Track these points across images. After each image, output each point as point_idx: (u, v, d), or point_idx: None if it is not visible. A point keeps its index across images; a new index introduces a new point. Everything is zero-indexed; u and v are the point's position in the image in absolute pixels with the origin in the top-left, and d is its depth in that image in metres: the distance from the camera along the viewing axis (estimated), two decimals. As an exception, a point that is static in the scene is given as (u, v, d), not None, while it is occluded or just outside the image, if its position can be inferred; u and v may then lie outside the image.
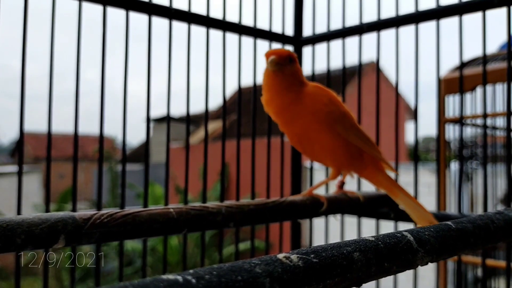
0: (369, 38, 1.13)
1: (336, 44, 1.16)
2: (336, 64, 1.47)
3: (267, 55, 0.81)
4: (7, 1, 0.77)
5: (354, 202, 0.92)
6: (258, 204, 0.77)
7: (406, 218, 0.99)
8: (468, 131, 2.17)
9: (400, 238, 0.38)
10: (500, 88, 1.89)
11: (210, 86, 1.01)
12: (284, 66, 0.81)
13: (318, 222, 1.30)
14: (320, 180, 0.95)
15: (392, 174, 0.93)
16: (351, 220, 1.15)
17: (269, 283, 0.29)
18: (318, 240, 0.83)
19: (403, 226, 0.97)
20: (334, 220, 1.02)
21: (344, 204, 0.91)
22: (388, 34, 1.12)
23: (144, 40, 0.92)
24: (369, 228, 1.10)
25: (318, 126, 0.82)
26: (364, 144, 0.85)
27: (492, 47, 2.15)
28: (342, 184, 0.95)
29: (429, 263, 0.41)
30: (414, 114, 1.04)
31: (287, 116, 0.83)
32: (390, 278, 1.00)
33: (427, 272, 3.78)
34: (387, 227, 0.74)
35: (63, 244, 0.54)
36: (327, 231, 1.15)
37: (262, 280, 0.29)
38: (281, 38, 1.15)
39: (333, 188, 0.98)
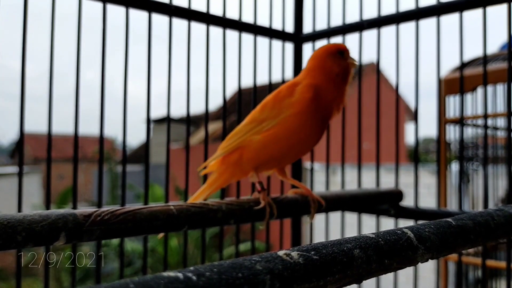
0: (369, 38, 1.13)
1: (336, 41, 1.16)
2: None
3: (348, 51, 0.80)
4: (6, 0, 0.77)
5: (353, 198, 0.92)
6: (259, 201, 0.77)
7: (406, 215, 0.99)
8: (469, 132, 2.17)
9: (400, 235, 0.38)
10: (501, 89, 1.89)
11: (210, 87, 1.01)
12: None
13: (319, 221, 1.30)
14: (320, 181, 0.95)
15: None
16: (351, 221, 1.15)
17: (270, 280, 0.29)
18: (319, 239, 0.83)
19: (404, 223, 0.97)
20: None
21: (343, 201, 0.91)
22: (388, 35, 1.12)
23: (144, 40, 0.92)
24: (369, 227, 1.10)
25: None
26: None
27: (493, 48, 2.15)
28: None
29: (430, 264, 0.41)
30: (414, 115, 1.04)
31: (324, 122, 0.80)
32: (390, 280, 1.00)
33: (428, 273, 3.77)
34: (387, 224, 0.74)
35: (64, 241, 0.54)
36: (328, 228, 1.15)
37: (263, 277, 0.29)
38: (281, 35, 1.16)
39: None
